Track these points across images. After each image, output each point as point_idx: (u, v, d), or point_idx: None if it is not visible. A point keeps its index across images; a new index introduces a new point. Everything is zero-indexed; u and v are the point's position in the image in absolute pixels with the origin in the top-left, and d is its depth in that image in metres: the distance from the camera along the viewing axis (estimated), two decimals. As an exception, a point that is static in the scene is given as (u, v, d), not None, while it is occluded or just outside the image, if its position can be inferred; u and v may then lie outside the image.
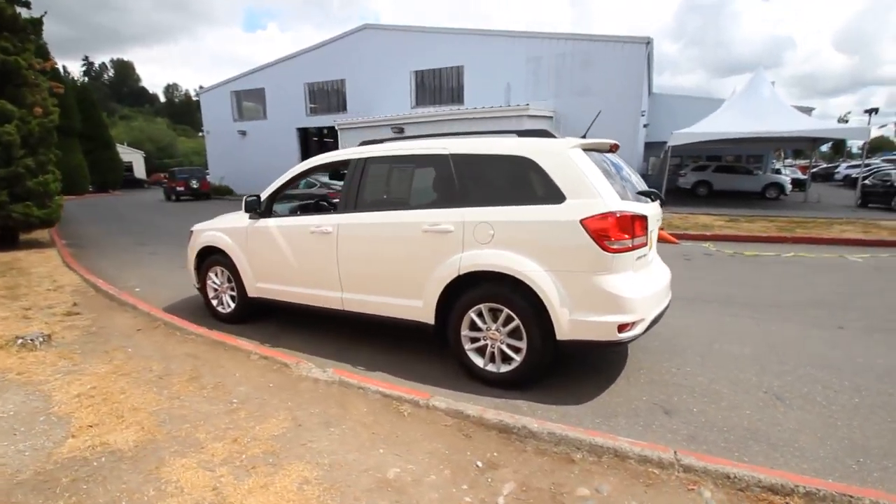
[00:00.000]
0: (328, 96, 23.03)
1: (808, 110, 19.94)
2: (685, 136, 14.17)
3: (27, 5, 8.52)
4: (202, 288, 4.75)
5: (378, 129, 16.81)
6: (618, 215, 2.78)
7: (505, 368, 3.14)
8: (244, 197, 4.19)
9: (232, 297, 4.55)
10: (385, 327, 3.73)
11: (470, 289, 3.15)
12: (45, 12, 8.87)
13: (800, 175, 24.74)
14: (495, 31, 18.72)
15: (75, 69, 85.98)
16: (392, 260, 3.46)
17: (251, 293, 4.32)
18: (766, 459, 2.40)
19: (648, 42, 15.99)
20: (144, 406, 2.86)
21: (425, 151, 3.47)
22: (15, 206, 8.19)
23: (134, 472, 2.23)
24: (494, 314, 3.11)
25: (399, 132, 16.48)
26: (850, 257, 7.43)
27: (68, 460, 2.32)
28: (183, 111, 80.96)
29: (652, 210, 3.27)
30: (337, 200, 4.22)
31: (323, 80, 22.75)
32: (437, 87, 20.16)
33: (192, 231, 4.84)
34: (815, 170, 27.02)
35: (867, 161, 20.09)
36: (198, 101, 29.28)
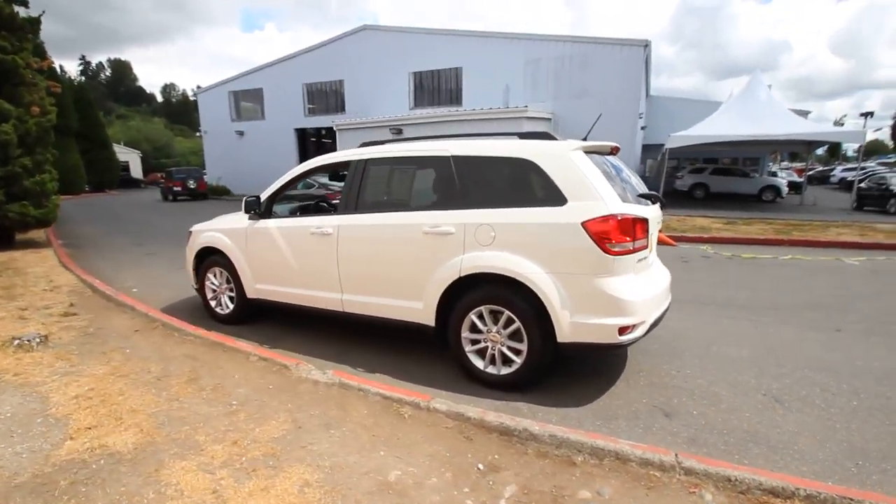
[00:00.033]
0: (326, 97, 23.02)
1: (804, 113, 20.06)
2: (682, 138, 14.21)
3: (25, 4, 8.48)
4: (200, 289, 4.73)
5: (376, 130, 16.79)
6: (619, 218, 2.79)
7: (505, 370, 3.14)
8: (244, 198, 4.18)
9: (231, 298, 4.53)
10: (385, 329, 3.72)
11: (471, 291, 3.15)
12: (44, 11, 8.83)
13: (796, 178, 24.86)
14: (494, 32, 18.75)
15: (72, 68, 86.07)
16: (393, 261, 3.46)
17: (250, 294, 4.30)
18: (766, 462, 2.40)
19: (646, 45, 16.05)
20: (143, 408, 2.85)
21: (426, 153, 3.47)
22: (11, 205, 8.14)
23: (133, 475, 2.22)
24: (495, 316, 3.10)
25: (398, 133, 16.49)
26: (846, 260, 7.47)
27: (67, 463, 2.31)
28: (180, 111, 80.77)
29: (652, 212, 3.28)
30: (336, 201, 4.22)
31: (321, 80, 22.73)
32: (436, 88, 20.17)
33: (190, 232, 4.83)
34: (810, 173, 27.14)
35: (863, 164, 20.22)
36: (195, 101, 29.24)
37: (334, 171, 4.29)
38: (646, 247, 3.07)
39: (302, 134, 24.44)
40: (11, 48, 8.06)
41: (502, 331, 3.09)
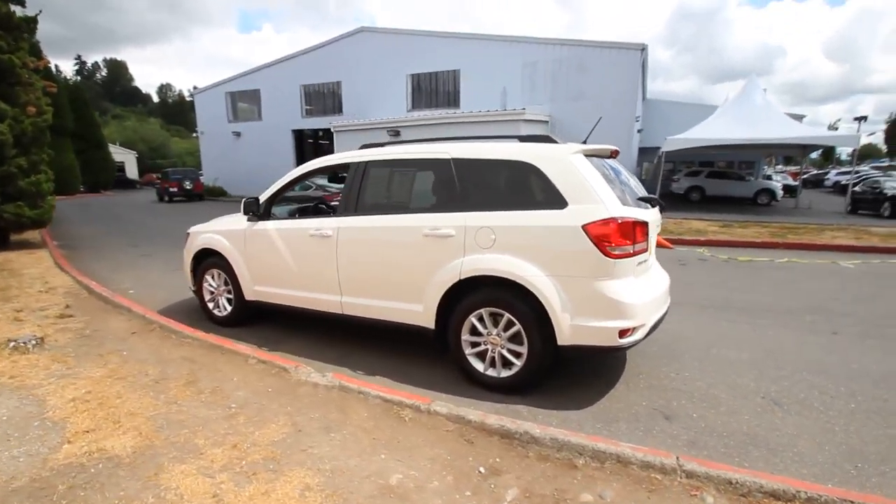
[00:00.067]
0: (324, 98, 23.01)
1: (799, 117, 20.19)
2: (679, 141, 14.29)
3: (22, 3, 8.44)
4: (198, 291, 4.71)
5: (374, 131, 16.79)
6: (619, 221, 2.79)
7: (505, 373, 3.14)
8: (243, 199, 4.16)
9: (228, 301, 4.51)
10: (384, 331, 3.71)
11: (471, 293, 3.15)
12: (41, 11, 8.78)
13: (791, 181, 25.05)
14: (492, 35, 18.82)
15: (67, 68, 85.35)
16: (392, 264, 3.45)
17: (249, 296, 4.28)
18: (766, 465, 2.41)
19: (643, 49, 16.15)
20: (141, 411, 2.83)
21: (427, 155, 3.47)
22: (6, 205, 8.08)
23: (132, 479, 2.20)
24: (495, 319, 3.10)
25: (395, 135, 16.50)
26: (842, 263, 7.52)
27: (65, 466, 2.29)
28: (176, 111, 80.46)
29: (652, 216, 3.29)
30: (334, 203, 4.21)
31: (319, 82, 22.72)
32: (434, 90, 20.20)
33: (188, 233, 4.80)
34: (805, 176, 27.34)
35: (857, 168, 20.38)
36: (191, 102, 29.17)
37: (334, 172, 4.29)
38: (646, 250, 3.08)
39: (299, 135, 24.40)
40: (8, 47, 8.01)
41: (502, 333, 3.09)
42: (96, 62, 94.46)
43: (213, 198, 23.66)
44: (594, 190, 2.87)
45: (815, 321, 4.68)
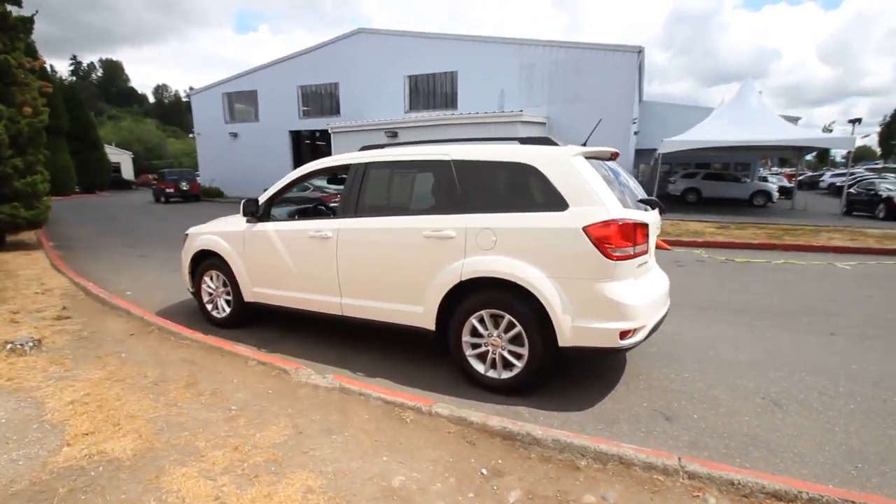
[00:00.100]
0: (321, 99, 22.98)
1: (794, 120, 20.35)
2: (675, 143, 14.36)
3: (18, 3, 8.39)
4: (197, 292, 4.69)
5: (371, 133, 16.78)
6: (620, 223, 2.80)
7: (506, 375, 3.14)
8: (242, 200, 4.15)
9: (227, 302, 4.49)
10: (385, 333, 3.70)
11: (472, 295, 3.15)
12: (37, 11, 8.73)
13: (786, 183, 25.22)
14: (489, 37, 18.85)
15: (63, 68, 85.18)
16: (393, 265, 3.45)
17: (248, 298, 4.27)
18: (767, 465, 2.42)
19: (640, 51, 16.22)
20: (141, 413, 2.81)
21: (427, 157, 3.47)
22: (2, 206, 8.04)
23: (133, 482, 2.18)
24: (496, 320, 3.10)
25: (393, 136, 16.50)
26: (838, 264, 7.56)
27: (64, 469, 2.27)
28: (172, 112, 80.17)
29: (652, 218, 3.31)
30: (333, 204, 4.20)
31: (316, 83, 22.70)
32: (431, 91, 20.21)
33: (186, 234, 4.78)
34: (800, 178, 27.51)
35: (852, 170, 20.54)
36: (188, 103, 29.03)
37: (334, 174, 4.28)
38: (646, 252, 3.09)
39: (296, 136, 24.36)
40: (4, 48, 7.97)
41: (503, 335, 3.09)
42: (92, 62, 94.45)
43: (209, 199, 23.58)
44: (595, 192, 2.88)
45: (812, 322, 4.70)
